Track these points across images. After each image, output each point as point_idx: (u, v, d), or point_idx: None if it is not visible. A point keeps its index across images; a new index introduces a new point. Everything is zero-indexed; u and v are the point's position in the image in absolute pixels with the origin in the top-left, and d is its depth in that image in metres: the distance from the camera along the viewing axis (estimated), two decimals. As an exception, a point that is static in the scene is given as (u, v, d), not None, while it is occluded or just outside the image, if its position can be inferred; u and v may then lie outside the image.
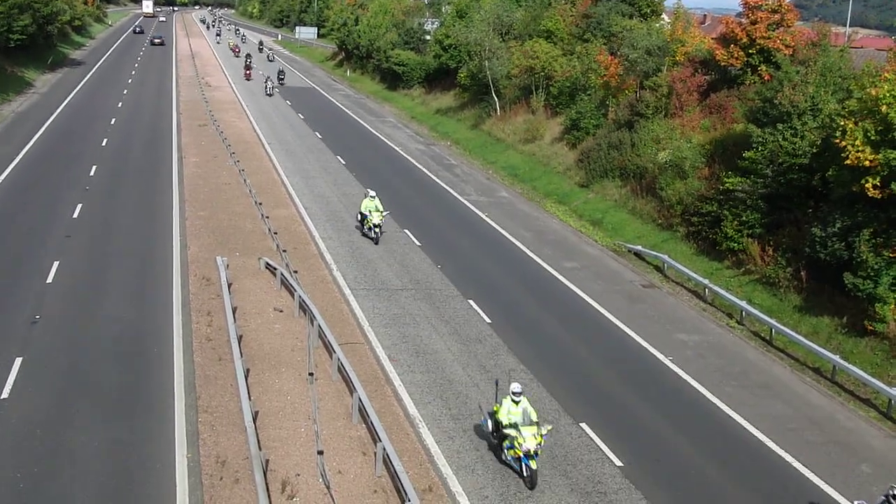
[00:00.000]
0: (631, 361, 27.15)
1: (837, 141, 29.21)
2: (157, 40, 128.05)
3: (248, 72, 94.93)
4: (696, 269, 34.85)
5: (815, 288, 30.61)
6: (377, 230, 36.82)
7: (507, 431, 20.08)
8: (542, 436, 19.91)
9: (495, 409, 20.72)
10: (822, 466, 21.36)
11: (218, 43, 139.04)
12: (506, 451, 20.37)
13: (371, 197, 37.32)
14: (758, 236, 34.02)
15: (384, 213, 37.20)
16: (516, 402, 20.32)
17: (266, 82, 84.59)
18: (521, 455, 19.80)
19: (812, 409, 24.73)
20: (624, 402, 24.27)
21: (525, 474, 19.84)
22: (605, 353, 27.58)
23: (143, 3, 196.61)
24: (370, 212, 36.81)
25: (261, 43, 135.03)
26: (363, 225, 37.36)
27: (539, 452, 19.89)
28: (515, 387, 20.57)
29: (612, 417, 23.23)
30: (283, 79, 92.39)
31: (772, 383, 26.25)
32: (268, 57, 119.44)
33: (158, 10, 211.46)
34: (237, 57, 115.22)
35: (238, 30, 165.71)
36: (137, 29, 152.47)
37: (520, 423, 20.04)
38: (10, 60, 78.36)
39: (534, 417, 20.34)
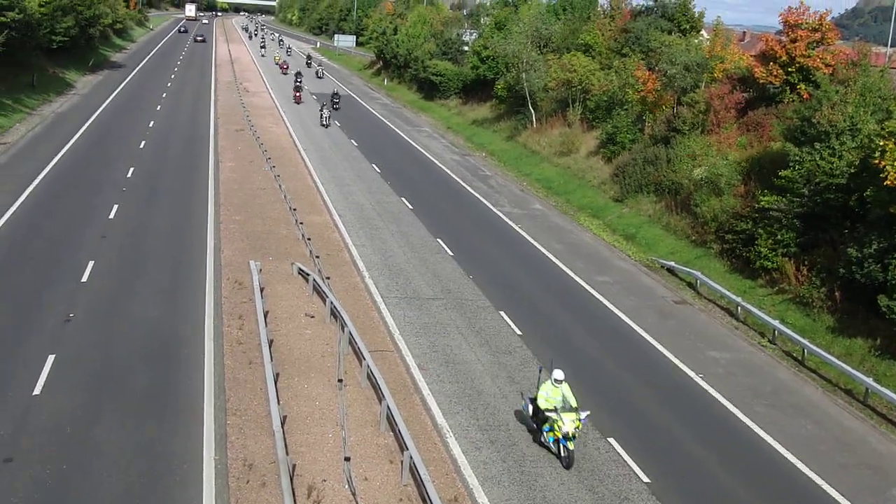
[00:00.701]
0: (661, 377, 26.99)
1: (876, 161, 28.95)
2: (199, 38, 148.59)
3: (297, 94, 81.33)
4: (729, 286, 34.58)
5: (849, 309, 30.29)
6: (570, 445, 20.93)
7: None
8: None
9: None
10: (852, 489, 21.09)
11: (263, 56, 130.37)
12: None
13: (555, 382, 21.52)
14: (792, 255, 33.71)
15: (582, 416, 21.17)
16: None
17: (321, 110, 70.65)
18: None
19: (843, 432, 24.45)
20: (653, 419, 24.13)
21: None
22: (635, 369, 27.44)
23: (186, 6, 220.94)
24: (557, 409, 21.11)
25: (308, 57, 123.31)
26: (540, 428, 21.63)
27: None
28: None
29: (641, 433, 23.10)
30: (337, 102, 78.69)
31: (803, 404, 25.98)
32: (316, 73, 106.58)
33: (201, 14, 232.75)
34: (285, 74, 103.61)
35: (282, 40, 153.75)
36: (182, 29, 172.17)
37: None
38: (52, 62, 79.53)
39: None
